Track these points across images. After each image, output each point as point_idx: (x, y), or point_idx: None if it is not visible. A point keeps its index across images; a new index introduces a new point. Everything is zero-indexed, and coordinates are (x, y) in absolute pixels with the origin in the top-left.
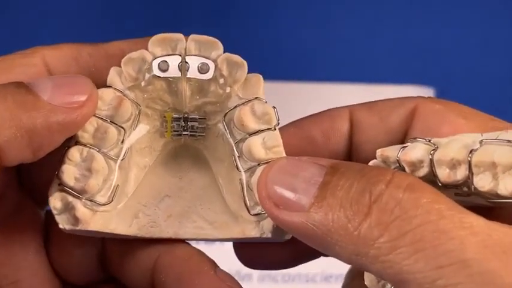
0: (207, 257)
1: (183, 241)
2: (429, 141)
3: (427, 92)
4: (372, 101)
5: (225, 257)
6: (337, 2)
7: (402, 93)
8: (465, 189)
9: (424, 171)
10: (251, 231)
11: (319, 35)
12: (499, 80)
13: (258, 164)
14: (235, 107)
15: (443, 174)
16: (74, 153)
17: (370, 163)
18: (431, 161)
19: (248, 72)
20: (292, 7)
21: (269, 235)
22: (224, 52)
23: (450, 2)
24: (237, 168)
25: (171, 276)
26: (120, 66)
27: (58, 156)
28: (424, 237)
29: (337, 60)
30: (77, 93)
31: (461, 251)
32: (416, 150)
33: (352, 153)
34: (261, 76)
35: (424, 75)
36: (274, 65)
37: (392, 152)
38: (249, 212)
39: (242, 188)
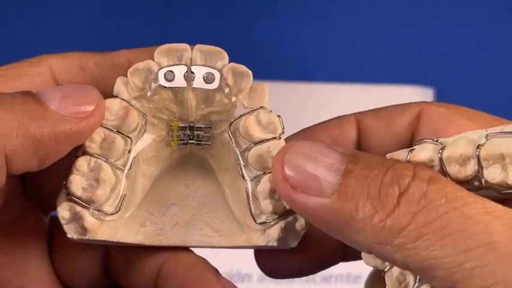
0: (210, 265)
1: (186, 248)
2: (436, 141)
3: (426, 92)
4: (377, 108)
5: (225, 257)
6: (338, 2)
7: (402, 93)
8: (476, 183)
9: (434, 169)
10: (257, 239)
11: (319, 35)
12: (498, 80)
13: (264, 173)
14: (241, 116)
15: (454, 170)
16: (82, 163)
17: None
18: (440, 159)
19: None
20: (292, 7)
21: (275, 243)
22: (229, 60)
23: (450, 2)
24: (243, 177)
25: (175, 283)
26: (126, 75)
27: (64, 163)
28: (450, 224)
29: (337, 60)
30: (84, 104)
31: (487, 234)
32: (425, 151)
33: None
34: (266, 85)
35: (424, 75)
36: (274, 65)
37: (401, 155)
38: (254, 221)
39: (248, 196)
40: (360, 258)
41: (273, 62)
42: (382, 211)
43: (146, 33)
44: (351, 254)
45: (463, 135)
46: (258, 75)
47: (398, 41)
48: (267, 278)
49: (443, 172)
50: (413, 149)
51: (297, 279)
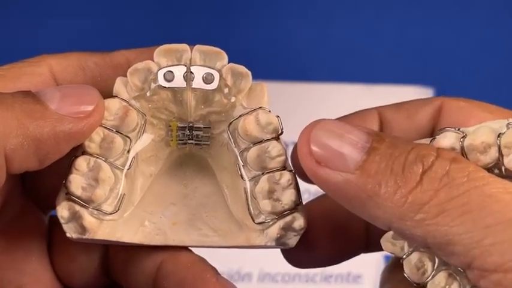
0: (209, 264)
1: (186, 248)
2: (458, 129)
3: (426, 92)
4: (399, 102)
5: (225, 257)
6: (338, 2)
7: (402, 93)
8: (496, 171)
9: None
10: (255, 239)
11: (319, 35)
12: (498, 80)
13: (262, 173)
14: (240, 116)
15: (475, 158)
16: (81, 163)
17: None
18: (461, 147)
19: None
20: (292, 7)
21: (273, 243)
22: (228, 60)
23: (450, 2)
24: (241, 177)
25: (174, 283)
26: (125, 75)
27: (63, 163)
28: (471, 201)
29: (337, 60)
30: (84, 103)
31: (506, 212)
32: (447, 139)
33: None
34: (265, 85)
35: (424, 75)
36: (274, 65)
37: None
38: (253, 221)
39: (246, 196)
40: (382, 249)
41: (273, 62)
42: (405, 187)
43: (145, 33)
44: (373, 245)
45: (485, 124)
46: (258, 75)
47: (398, 41)
48: (267, 277)
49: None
50: (435, 138)
51: (296, 279)
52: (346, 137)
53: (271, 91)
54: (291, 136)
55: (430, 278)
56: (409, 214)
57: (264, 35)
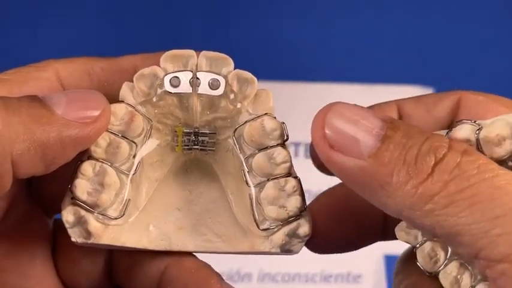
0: (214, 270)
1: (190, 253)
2: (474, 122)
3: (426, 92)
4: (417, 96)
5: (225, 257)
6: (338, 1)
7: (402, 93)
8: (510, 163)
9: None
10: (260, 245)
11: (319, 35)
12: (498, 80)
13: (268, 179)
14: (245, 122)
15: (490, 150)
16: (87, 167)
17: None
18: (477, 139)
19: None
20: (292, 7)
21: (278, 250)
22: (234, 67)
23: (450, 2)
24: (247, 183)
25: None
26: (132, 81)
27: (69, 167)
28: (480, 192)
29: (337, 60)
30: (90, 108)
31: None
32: (463, 131)
33: None
34: (270, 92)
35: (424, 75)
36: (274, 65)
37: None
38: (258, 227)
39: (251, 203)
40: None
41: (273, 62)
42: (416, 178)
43: (146, 33)
44: (390, 234)
45: (501, 118)
46: (258, 75)
47: (398, 41)
48: (267, 277)
49: (480, 151)
50: (452, 129)
51: (296, 279)
52: (361, 123)
53: (271, 91)
54: (290, 136)
55: (442, 267)
56: (418, 204)
57: (264, 35)
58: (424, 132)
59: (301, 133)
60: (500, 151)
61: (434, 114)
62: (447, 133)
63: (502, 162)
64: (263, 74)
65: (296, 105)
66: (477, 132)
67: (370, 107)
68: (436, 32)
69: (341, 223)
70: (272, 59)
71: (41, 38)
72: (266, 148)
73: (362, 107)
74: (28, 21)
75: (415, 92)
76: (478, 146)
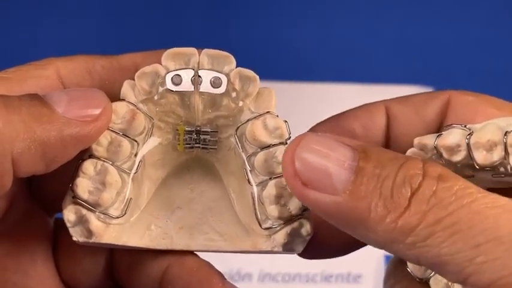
0: (215, 269)
1: (191, 252)
2: (465, 126)
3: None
4: (406, 96)
5: (225, 256)
6: (338, 2)
7: (402, 93)
8: (502, 169)
9: (461, 155)
10: (262, 244)
11: (319, 35)
12: (498, 80)
13: (270, 178)
14: (247, 121)
15: (480, 156)
16: (88, 166)
17: (408, 151)
18: (467, 144)
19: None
20: (292, 7)
21: (280, 249)
22: (236, 65)
23: (450, 2)
24: (249, 182)
25: (180, 287)
26: (133, 79)
27: (70, 166)
28: (459, 220)
29: (337, 60)
30: (91, 107)
31: (495, 229)
32: (453, 136)
33: (390, 146)
34: (273, 90)
35: (424, 75)
36: (274, 65)
37: (429, 139)
38: (260, 226)
39: (253, 201)
40: None
41: (273, 62)
42: (394, 212)
43: (148, 34)
44: None
45: (492, 122)
46: (258, 75)
47: (398, 41)
48: (267, 277)
49: (470, 157)
50: (441, 134)
51: (296, 279)
52: (331, 156)
53: (273, 89)
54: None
55: (432, 273)
56: (400, 238)
57: (264, 35)
58: (398, 159)
59: (300, 132)
60: (492, 157)
61: (423, 116)
62: (437, 137)
63: (493, 168)
64: (263, 74)
65: (296, 105)
66: (468, 137)
67: (358, 108)
68: (436, 32)
69: (333, 229)
70: (272, 58)
71: (41, 37)
72: (268, 147)
73: (331, 137)
74: (28, 21)
75: (415, 92)
76: (469, 152)
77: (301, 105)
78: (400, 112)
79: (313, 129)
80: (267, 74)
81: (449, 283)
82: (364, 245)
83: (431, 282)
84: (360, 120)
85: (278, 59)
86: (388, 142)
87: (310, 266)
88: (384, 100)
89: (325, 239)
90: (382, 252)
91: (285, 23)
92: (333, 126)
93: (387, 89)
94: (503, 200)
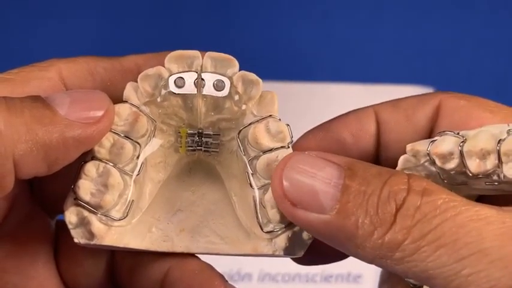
0: (217, 271)
1: (193, 255)
2: (457, 133)
3: (427, 92)
4: (395, 100)
5: (225, 257)
6: (338, 1)
7: (402, 93)
8: (495, 177)
9: (454, 162)
10: (263, 248)
11: (319, 35)
12: (498, 80)
13: None
14: (250, 124)
15: (474, 164)
16: (90, 168)
17: (401, 158)
18: (461, 152)
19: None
20: (292, 7)
21: (281, 253)
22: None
23: (450, 2)
24: (251, 185)
25: None
26: (135, 80)
27: (71, 168)
28: (444, 234)
29: (337, 60)
30: (93, 109)
31: (479, 242)
32: (446, 143)
33: (381, 152)
34: (275, 94)
35: (424, 75)
36: (274, 65)
37: (422, 146)
38: (261, 230)
39: (255, 205)
40: None
41: (273, 62)
42: (381, 228)
43: (148, 34)
44: None
45: (485, 129)
46: (258, 75)
47: (398, 41)
48: (267, 277)
49: (463, 165)
50: (434, 140)
51: (296, 279)
52: (318, 175)
53: (275, 93)
54: None
55: None
56: (387, 254)
57: (264, 35)
58: (382, 174)
59: (300, 133)
60: (486, 165)
61: (414, 122)
62: (429, 144)
63: (486, 176)
64: (263, 74)
65: (296, 105)
66: (461, 144)
67: (348, 114)
68: (436, 32)
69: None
70: (272, 58)
71: (41, 38)
72: (270, 150)
73: (317, 155)
74: (28, 21)
75: (415, 92)
76: (462, 160)
77: (301, 105)
78: (390, 118)
79: (303, 138)
80: (266, 74)
81: None
82: None
83: (424, 287)
84: (349, 128)
85: (278, 59)
86: (379, 148)
87: (310, 266)
88: (373, 105)
89: (322, 246)
90: None
91: (286, 22)
92: (322, 135)
93: (387, 89)
94: (487, 211)
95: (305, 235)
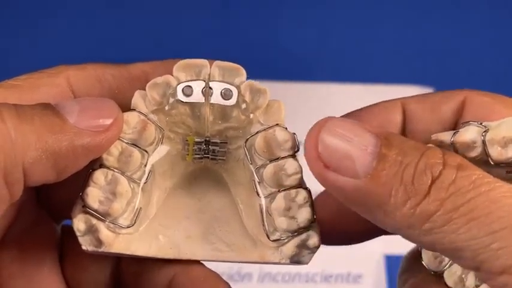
0: (222, 279)
1: (198, 262)
2: (480, 123)
3: (427, 92)
4: (422, 94)
5: None
6: (338, 2)
7: (402, 93)
8: None
9: (477, 151)
10: (270, 256)
11: (319, 35)
12: (498, 80)
13: (278, 190)
14: (257, 133)
15: (495, 152)
16: (99, 176)
17: None
18: (483, 141)
19: (249, 78)
20: (292, 7)
21: (288, 261)
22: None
23: (450, 2)
24: (257, 193)
25: None
26: (142, 88)
27: (78, 174)
28: (476, 208)
29: (337, 60)
30: (102, 117)
31: (511, 217)
32: (469, 133)
33: None
34: (282, 102)
35: (424, 75)
36: (274, 65)
37: (446, 136)
38: (268, 238)
39: (262, 213)
40: None
41: (273, 62)
42: (415, 198)
43: (148, 34)
44: None
45: (507, 120)
46: (258, 75)
47: (398, 41)
48: (267, 277)
49: (485, 153)
50: (458, 131)
51: (296, 279)
52: (354, 140)
53: (270, 91)
54: None
55: (447, 266)
56: (417, 224)
57: (264, 35)
58: (419, 148)
59: (300, 132)
60: (507, 153)
61: (439, 114)
62: (453, 134)
63: (508, 164)
64: (263, 74)
65: (296, 105)
66: (483, 134)
67: (375, 105)
68: (436, 32)
69: (344, 215)
70: (272, 59)
71: (41, 38)
72: (277, 159)
73: (354, 122)
74: (28, 21)
75: (414, 92)
76: (485, 148)
77: (301, 105)
78: (416, 110)
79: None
80: (266, 74)
81: (463, 275)
82: (368, 237)
83: (445, 274)
84: (376, 117)
85: (278, 59)
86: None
87: (310, 266)
88: (401, 98)
89: (330, 224)
90: (382, 252)
91: (286, 23)
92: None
93: (387, 89)
94: None
95: (311, 243)
